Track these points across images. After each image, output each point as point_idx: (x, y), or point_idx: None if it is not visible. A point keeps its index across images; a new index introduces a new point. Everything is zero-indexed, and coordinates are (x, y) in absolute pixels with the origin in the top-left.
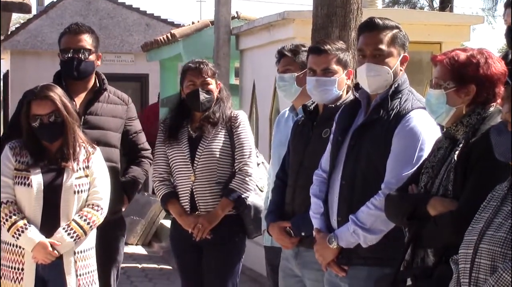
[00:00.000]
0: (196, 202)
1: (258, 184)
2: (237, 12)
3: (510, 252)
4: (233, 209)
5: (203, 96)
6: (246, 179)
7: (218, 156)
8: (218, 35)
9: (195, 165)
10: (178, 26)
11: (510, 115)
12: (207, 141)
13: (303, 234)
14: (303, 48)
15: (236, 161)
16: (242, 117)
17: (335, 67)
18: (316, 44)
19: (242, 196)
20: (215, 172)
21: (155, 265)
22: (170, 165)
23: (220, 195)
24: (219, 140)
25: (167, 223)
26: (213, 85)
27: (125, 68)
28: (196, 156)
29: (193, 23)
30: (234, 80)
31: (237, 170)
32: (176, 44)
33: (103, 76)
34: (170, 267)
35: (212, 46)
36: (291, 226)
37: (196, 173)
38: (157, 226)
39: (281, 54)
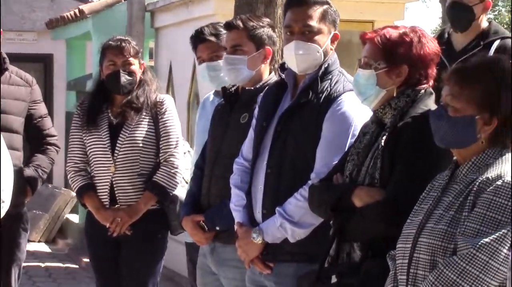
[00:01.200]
0: (116, 195)
1: (185, 176)
2: None
3: (452, 246)
4: (157, 203)
5: (124, 78)
6: (172, 171)
7: (141, 145)
8: (131, 12)
9: (115, 155)
10: (86, 1)
11: (450, 98)
12: (130, 129)
13: (217, 228)
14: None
15: (161, 151)
16: (169, 102)
17: (245, 44)
18: (231, 20)
19: (167, 190)
20: (137, 163)
21: (60, 264)
22: (88, 154)
23: (143, 188)
24: (143, 128)
25: (73, 217)
26: (135, 66)
27: (26, 48)
28: (117, 145)
29: None
30: (148, 61)
31: (162, 161)
32: (85, 21)
33: (4, 55)
34: (76, 266)
35: (125, 23)
36: (205, 220)
37: (116, 163)
38: (62, 221)
39: (201, 40)
